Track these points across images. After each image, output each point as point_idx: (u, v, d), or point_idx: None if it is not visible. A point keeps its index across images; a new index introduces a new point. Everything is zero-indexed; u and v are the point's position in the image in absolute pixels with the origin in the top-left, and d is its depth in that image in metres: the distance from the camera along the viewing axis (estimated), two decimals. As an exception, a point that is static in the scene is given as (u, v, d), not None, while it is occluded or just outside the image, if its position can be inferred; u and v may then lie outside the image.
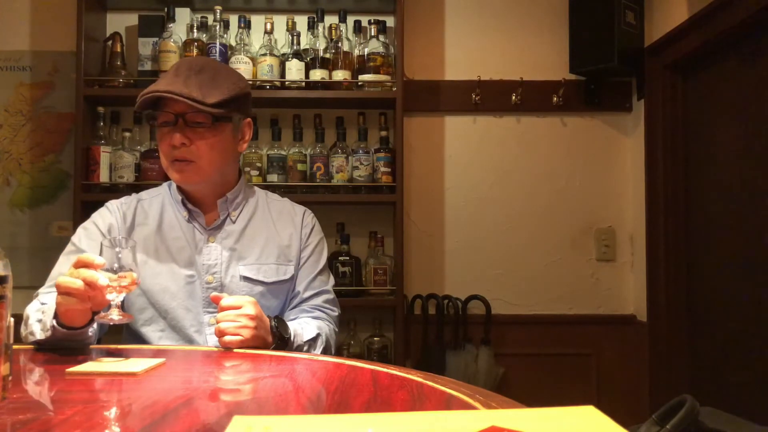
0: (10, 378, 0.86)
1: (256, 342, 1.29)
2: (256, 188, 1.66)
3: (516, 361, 2.68)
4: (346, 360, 1.16)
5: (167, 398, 0.91)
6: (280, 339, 1.34)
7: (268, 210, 1.60)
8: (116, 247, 1.14)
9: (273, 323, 1.34)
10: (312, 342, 1.44)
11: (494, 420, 0.66)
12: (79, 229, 1.51)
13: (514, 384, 2.66)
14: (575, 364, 2.71)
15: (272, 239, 1.55)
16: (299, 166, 2.50)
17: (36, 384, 1.06)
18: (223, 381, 1.06)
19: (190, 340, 1.45)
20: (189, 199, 1.53)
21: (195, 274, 1.47)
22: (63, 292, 1.14)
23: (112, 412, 0.85)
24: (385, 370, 1.06)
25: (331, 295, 1.60)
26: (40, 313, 1.27)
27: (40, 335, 1.24)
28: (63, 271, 1.41)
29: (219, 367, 1.16)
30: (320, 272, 1.58)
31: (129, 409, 0.87)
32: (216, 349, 1.29)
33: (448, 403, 0.86)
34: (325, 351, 1.48)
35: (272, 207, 1.61)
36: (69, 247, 1.48)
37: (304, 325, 1.46)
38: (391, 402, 0.88)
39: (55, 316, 1.20)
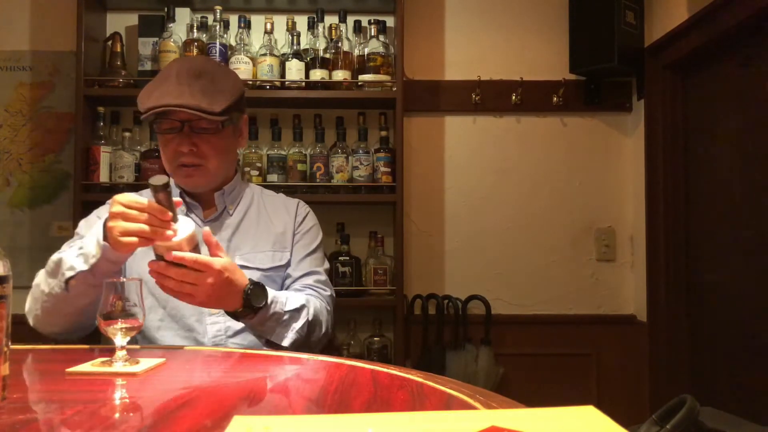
0: (8, 378, 0.86)
1: (214, 304, 1.28)
2: (251, 183, 1.70)
3: (516, 361, 2.68)
4: (346, 360, 1.16)
5: (167, 398, 0.91)
6: (249, 307, 1.31)
7: (263, 203, 1.64)
8: (121, 288, 1.11)
9: (248, 288, 1.30)
10: (295, 313, 1.40)
11: (494, 420, 0.66)
12: (82, 222, 1.54)
13: (514, 384, 2.66)
14: (575, 364, 2.71)
15: (267, 228, 1.58)
16: (299, 166, 2.50)
17: (36, 384, 1.05)
18: (223, 381, 1.06)
19: (189, 329, 1.45)
20: (186, 192, 1.55)
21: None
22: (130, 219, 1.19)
23: (112, 413, 0.85)
24: (385, 370, 1.06)
25: (323, 276, 1.59)
26: (77, 249, 1.29)
27: (81, 266, 1.25)
28: (62, 257, 1.42)
29: (219, 367, 1.16)
30: (311, 253, 1.59)
31: (129, 409, 0.87)
32: (216, 349, 1.29)
33: (448, 403, 0.86)
34: (313, 326, 1.43)
35: (267, 200, 1.65)
36: (74, 238, 1.49)
37: (289, 296, 1.43)
38: (391, 402, 0.88)
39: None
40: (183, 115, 1.42)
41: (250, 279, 1.31)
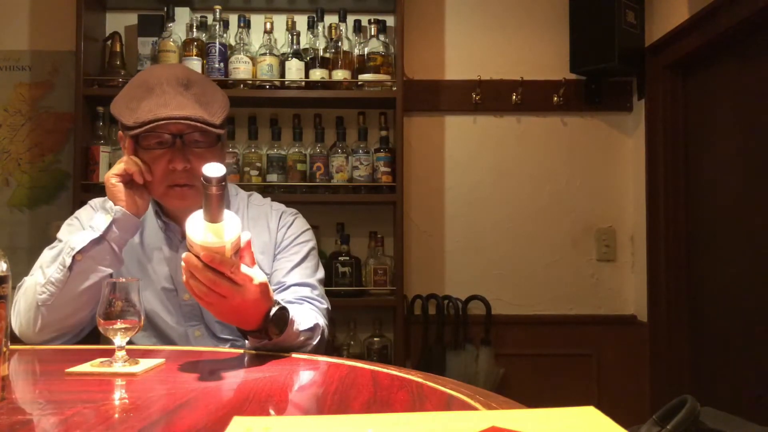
0: (8, 378, 0.86)
1: (232, 320, 1.15)
2: (240, 192, 1.54)
3: (516, 361, 2.67)
4: (346, 360, 1.15)
5: (166, 398, 0.90)
6: (268, 332, 1.16)
7: (247, 218, 1.48)
8: (122, 289, 1.09)
9: (273, 312, 1.15)
10: (309, 333, 1.27)
11: (494, 420, 0.66)
12: (64, 226, 1.47)
13: (514, 384, 2.65)
14: (575, 364, 2.71)
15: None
16: (299, 166, 2.50)
17: (36, 384, 1.05)
18: (222, 381, 1.06)
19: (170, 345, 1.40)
20: (165, 211, 1.44)
21: (174, 288, 1.42)
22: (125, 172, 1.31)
23: (112, 413, 0.85)
24: (385, 370, 1.05)
25: (318, 289, 1.44)
26: (50, 257, 1.32)
27: (91, 235, 1.29)
28: (65, 243, 1.38)
29: (218, 367, 1.16)
30: (301, 263, 1.44)
31: (128, 409, 0.86)
32: (216, 349, 1.29)
33: (448, 404, 0.86)
34: (320, 349, 1.34)
35: (250, 214, 1.50)
36: (55, 243, 1.44)
37: (300, 311, 1.30)
38: (391, 402, 0.88)
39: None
40: (176, 127, 1.29)
41: (276, 300, 1.17)
